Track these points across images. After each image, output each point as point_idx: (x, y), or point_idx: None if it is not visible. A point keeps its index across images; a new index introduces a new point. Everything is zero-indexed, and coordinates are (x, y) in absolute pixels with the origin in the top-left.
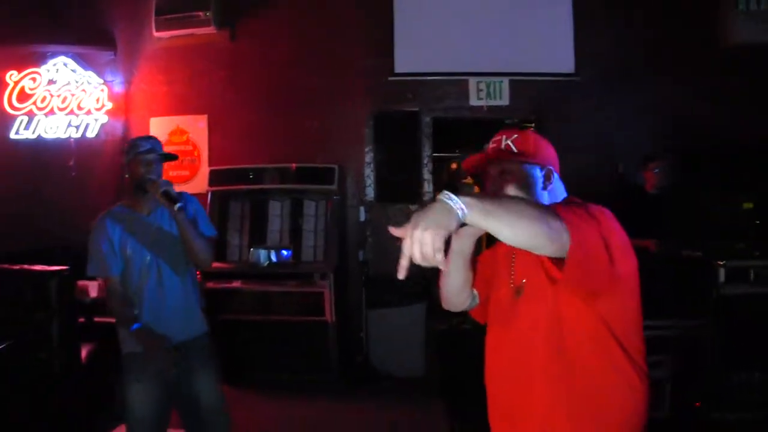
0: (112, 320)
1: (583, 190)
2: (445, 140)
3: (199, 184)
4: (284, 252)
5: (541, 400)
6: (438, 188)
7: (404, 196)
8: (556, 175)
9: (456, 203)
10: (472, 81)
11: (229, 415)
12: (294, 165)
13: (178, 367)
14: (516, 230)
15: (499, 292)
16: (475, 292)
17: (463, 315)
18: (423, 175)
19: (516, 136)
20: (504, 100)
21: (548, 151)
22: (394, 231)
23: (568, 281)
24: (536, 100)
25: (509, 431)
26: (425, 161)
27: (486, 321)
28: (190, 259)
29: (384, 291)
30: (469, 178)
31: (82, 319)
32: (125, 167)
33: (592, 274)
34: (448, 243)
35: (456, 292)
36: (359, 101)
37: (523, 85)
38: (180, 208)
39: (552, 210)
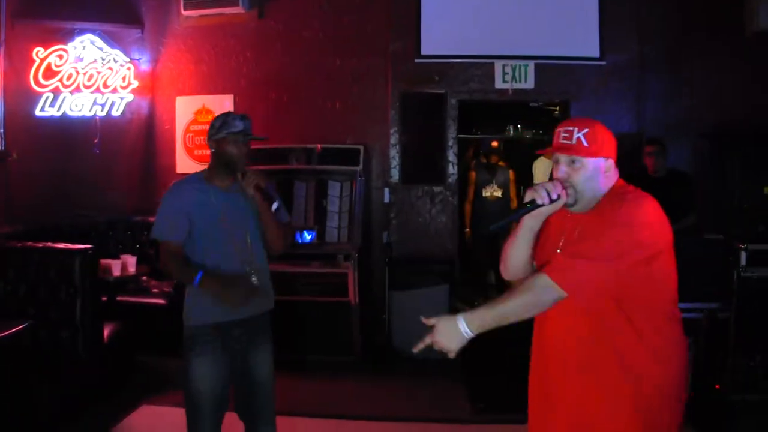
0: (136, 299)
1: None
2: (470, 122)
3: None
4: (309, 233)
5: (576, 373)
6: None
7: (429, 177)
8: (613, 165)
9: (463, 328)
10: (498, 64)
11: (274, 399)
12: (319, 146)
13: (238, 342)
14: (518, 320)
15: (546, 257)
16: (535, 263)
17: (483, 296)
18: (448, 157)
19: (587, 130)
20: (529, 84)
21: (611, 143)
22: (426, 321)
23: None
24: (561, 84)
25: (545, 404)
26: (450, 143)
27: None
28: (265, 245)
29: (407, 273)
30: (493, 156)
31: (104, 298)
32: (212, 143)
33: (599, 293)
34: (519, 219)
35: (521, 264)
36: (385, 83)
37: (548, 68)
38: (276, 210)
39: (542, 281)
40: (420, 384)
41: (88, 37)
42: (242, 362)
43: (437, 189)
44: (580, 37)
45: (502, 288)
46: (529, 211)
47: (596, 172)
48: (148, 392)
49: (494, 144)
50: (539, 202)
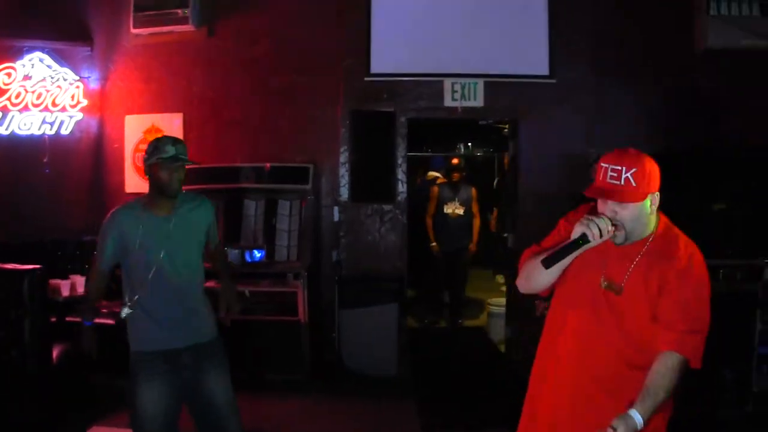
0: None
1: (559, 192)
2: (421, 140)
3: None
4: (258, 252)
5: (605, 397)
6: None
7: (378, 196)
8: (658, 196)
9: (639, 420)
10: (447, 82)
11: (239, 415)
12: (268, 164)
13: (188, 369)
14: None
15: (585, 280)
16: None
17: (436, 315)
18: (397, 175)
19: (635, 169)
20: (478, 102)
21: (657, 176)
22: None
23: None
24: (511, 102)
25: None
26: (400, 161)
27: (549, 293)
28: (210, 260)
29: (357, 291)
30: (454, 174)
31: (53, 319)
32: (146, 167)
33: None
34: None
35: (546, 284)
36: (335, 101)
37: (497, 86)
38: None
39: (680, 360)
40: (370, 402)
41: (37, 55)
42: (197, 388)
43: (387, 207)
44: (529, 54)
45: (456, 307)
46: (580, 247)
47: (643, 209)
48: (98, 413)
49: (455, 161)
50: (590, 238)
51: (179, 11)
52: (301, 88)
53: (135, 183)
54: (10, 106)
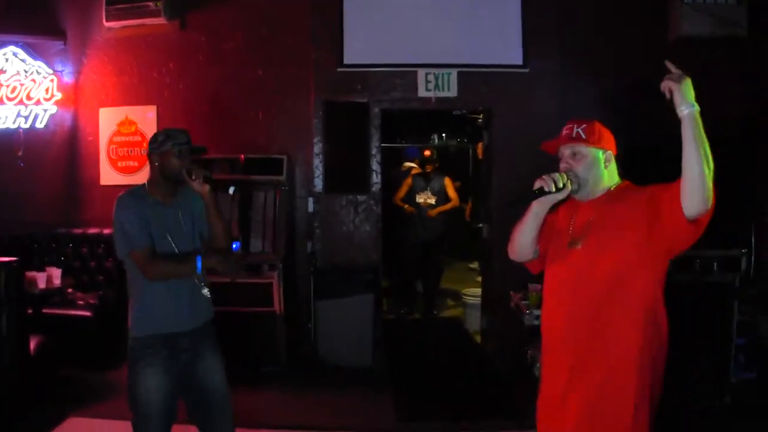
0: (62, 311)
1: (532, 181)
2: (395, 131)
3: (147, 175)
4: (233, 243)
5: (614, 334)
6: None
7: (353, 186)
8: (613, 158)
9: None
10: (421, 72)
11: (231, 406)
12: (242, 156)
13: (186, 352)
14: (701, 167)
15: (558, 245)
16: (538, 247)
17: (410, 306)
18: (371, 166)
19: (585, 125)
20: (452, 92)
21: (609, 138)
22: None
23: (688, 237)
24: (485, 92)
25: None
26: (374, 152)
27: (539, 271)
28: (213, 244)
29: (332, 282)
30: (427, 165)
31: (30, 311)
32: (154, 156)
33: (694, 239)
34: (529, 205)
35: (527, 244)
36: (308, 92)
37: (471, 76)
38: (212, 190)
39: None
40: (345, 393)
41: (11, 49)
42: (192, 372)
43: (361, 198)
44: (503, 44)
45: (430, 298)
46: (537, 197)
47: (596, 161)
48: (74, 405)
49: (427, 153)
50: (546, 189)
51: (151, 4)
52: (273, 79)
53: (109, 176)
54: None
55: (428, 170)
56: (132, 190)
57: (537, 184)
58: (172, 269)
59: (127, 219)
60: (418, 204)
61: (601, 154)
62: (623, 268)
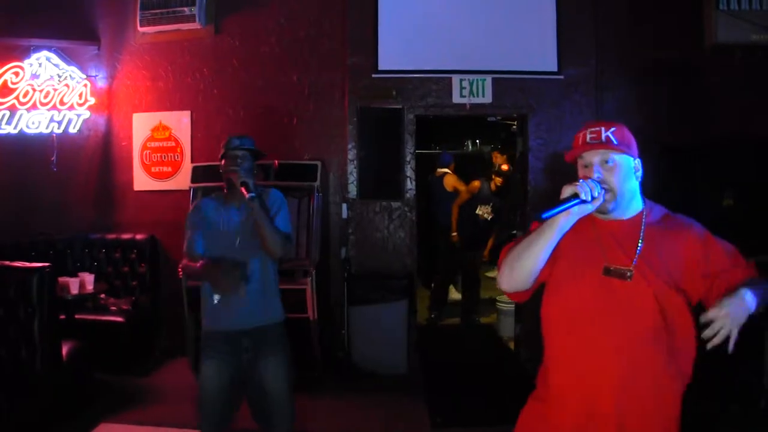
0: (94, 317)
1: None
2: (429, 137)
3: (181, 180)
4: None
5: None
6: (419, 184)
7: (387, 192)
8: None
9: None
10: (455, 79)
11: (293, 407)
12: (276, 161)
13: (248, 352)
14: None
15: (581, 270)
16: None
17: (441, 311)
18: (406, 172)
19: (614, 128)
20: (487, 98)
21: (635, 144)
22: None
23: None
24: (519, 98)
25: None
26: (408, 158)
27: (525, 301)
28: (261, 248)
29: (366, 288)
30: (498, 179)
31: (63, 317)
32: (220, 166)
33: None
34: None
35: (535, 269)
36: (343, 98)
37: (506, 82)
38: (251, 198)
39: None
40: (379, 399)
41: (44, 54)
42: (252, 371)
43: (395, 204)
44: (537, 50)
45: (471, 305)
46: (573, 205)
47: (629, 171)
48: (106, 411)
49: (505, 168)
50: (583, 197)
51: (185, 9)
52: (308, 84)
53: (143, 181)
54: (18, 105)
55: (498, 183)
56: (207, 196)
57: (568, 191)
58: (192, 271)
59: (188, 219)
60: (476, 215)
61: (632, 163)
62: (670, 308)
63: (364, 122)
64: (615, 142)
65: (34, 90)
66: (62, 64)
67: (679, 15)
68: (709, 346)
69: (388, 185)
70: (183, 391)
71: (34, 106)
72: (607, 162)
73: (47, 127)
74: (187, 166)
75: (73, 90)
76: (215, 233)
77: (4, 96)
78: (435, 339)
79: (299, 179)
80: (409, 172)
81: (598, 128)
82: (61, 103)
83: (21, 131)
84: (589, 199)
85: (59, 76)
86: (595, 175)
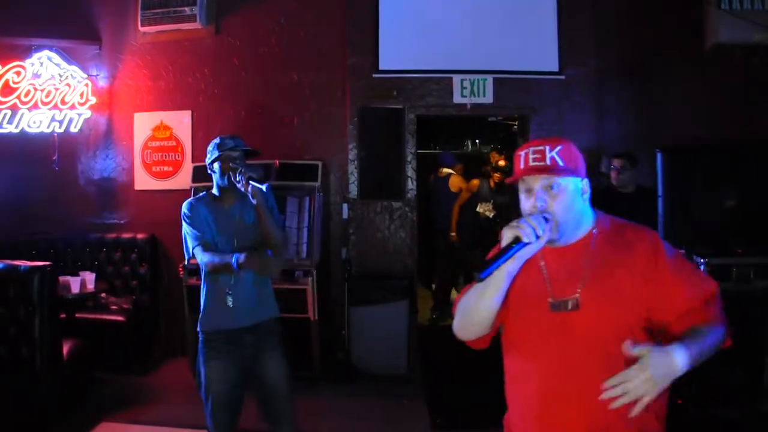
0: (95, 316)
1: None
2: (429, 137)
3: (182, 180)
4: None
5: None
6: (420, 184)
7: (388, 193)
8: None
9: (682, 361)
10: (456, 79)
11: (293, 399)
12: (277, 161)
13: (249, 347)
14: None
15: (530, 306)
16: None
17: (442, 311)
18: (407, 172)
19: (560, 147)
20: (488, 98)
21: (582, 160)
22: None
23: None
24: (520, 99)
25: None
26: (409, 158)
27: (484, 347)
28: (265, 241)
29: (367, 288)
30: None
31: (63, 315)
32: (210, 164)
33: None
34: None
35: (490, 316)
36: (343, 98)
37: (507, 83)
38: (261, 191)
39: (721, 322)
40: (380, 400)
41: (46, 53)
42: (256, 366)
43: (396, 204)
44: (538, 51)
45: None
46: (516, 251)
47: (576, 194)
48: (107, 410)
49: (502, 163)
50: (526, 240)
51: (186, 9)
52: (309, 85)
53: (144, 180)
54: (19, 104)
55: (496, 179)
56: (198, 197)
57: (508, 235)
58: (211, 259)
59: (188, 221)
60: (477, 213)
61: (580, 184)
62: (625, 332)
63: (364, 122)
64: (561, 164)
65: (36, 89)
66: (63, 64)
67: (679, 15)
68: (612, 406)
69: (389, 185)
70: (183, 390)
71: (35, 106)
72: (552, 188)
73: (48, 127)
74: (187, 166)
75: (74, 89)
76: (213, 234)
77: (5, 95)
78: (436, 339)
79: (300, 179)
80: (410, 172)
81: (542, 147)
82: (63, 102)
83: (22, 130)
84: (534, 240)
85: (60, 76)
86: (539, 204)
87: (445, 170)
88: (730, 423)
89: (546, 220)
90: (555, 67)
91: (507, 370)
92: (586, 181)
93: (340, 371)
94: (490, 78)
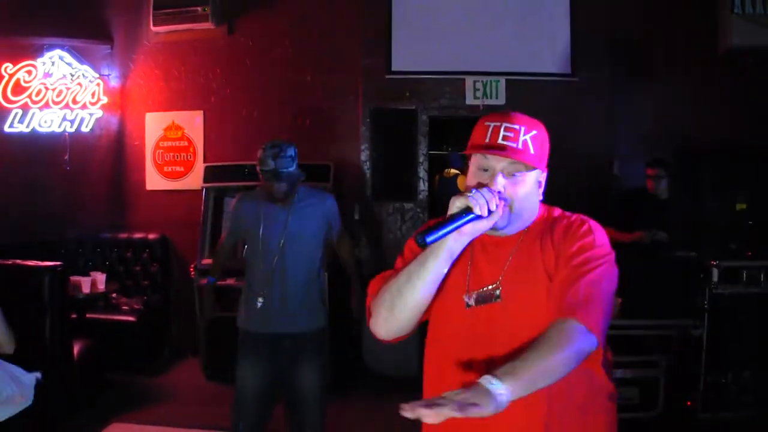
0: (106, 316)
1: (580, 191)
2: (441, 138)
3: (194, 180)
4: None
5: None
6: (431, 186)
7: (400, 194)
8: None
9: (499, 390)
10: (469, 80)
11: (324, 415)
12: None
13: (285, 355)
14: (554, 380)
15: (449, 299)
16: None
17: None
18: (419, 173)
19: (535, 132)
20: (500, 100)
21: (548, 150)
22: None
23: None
24: (532, 100)
25: None
26: (421, 159)
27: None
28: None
29: None
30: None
31: (74, 316)
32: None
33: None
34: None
35: (422, 306)
36: (356, 99)
37: (519, 84)
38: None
39: (582, 333)
40: (391, 402)
41: (57, 52)
42: (289, 373)
43: (408, 206)
44: (551, 53)
45: None
46: (467, 222)
47: (535, 187)
48: (117, 410)
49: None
50: (477, 212)
51: (199, 9)
52: (320, 85)
53: (155, 180)
54: (30, 104)
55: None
56: (251, 192)
57: (459, 203)
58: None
59: (230, 216)
60: None
61: (540, 177)
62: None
63: (377, 123)
64: (531, 152)
65: (47, 89)
66: (75, 63)
67: (692, 19)
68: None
69: (401, 186)
70: (194, 390)
71: (46, 105)
72: (514, 175)
73: (60, 126)
74: (199, 166)
75: (85, 89)
76: (264, 234)
77: (16, 95)
78: None
79: (312, 180)
80: (422, 173)
81: (516, 127)
82: (74, 102)
83: (33, 130)
84: (486, 214)
85: (72, 75)
86: (495, 186)
87: (453, 171)
88: (739, 426)
89: (502, 199)
90: (568, 69)
91: (426, 365)
92: (545, 175)
93: (352, 373)
94: (502, 80)
